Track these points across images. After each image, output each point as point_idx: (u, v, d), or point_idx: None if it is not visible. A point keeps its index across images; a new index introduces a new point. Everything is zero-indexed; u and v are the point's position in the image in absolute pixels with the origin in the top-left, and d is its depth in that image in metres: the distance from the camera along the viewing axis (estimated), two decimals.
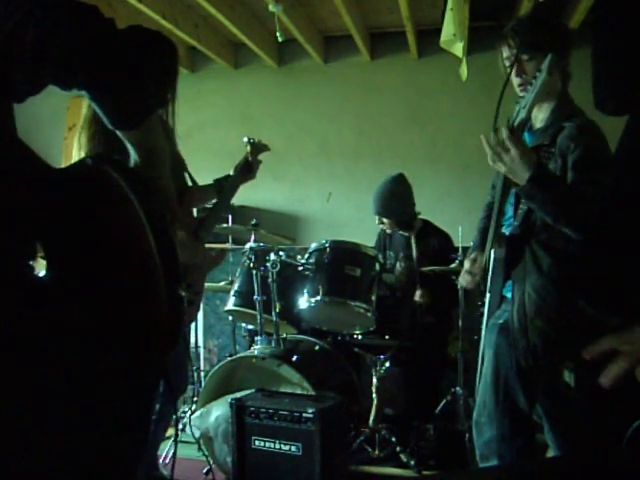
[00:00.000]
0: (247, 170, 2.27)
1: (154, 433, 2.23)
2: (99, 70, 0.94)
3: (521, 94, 1.85)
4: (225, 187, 2.20)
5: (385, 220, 3.42)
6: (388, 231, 3.52)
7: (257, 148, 2.34)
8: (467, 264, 2.07)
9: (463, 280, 2.08)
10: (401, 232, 3.48)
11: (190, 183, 2.04)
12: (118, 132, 1.05)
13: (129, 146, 1.08)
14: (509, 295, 1.83)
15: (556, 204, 1.64)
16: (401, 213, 3.42)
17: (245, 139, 2.35)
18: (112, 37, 0.96)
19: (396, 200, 3.40)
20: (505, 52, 1.89)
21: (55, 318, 0.78)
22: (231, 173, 2.27)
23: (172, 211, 1.18)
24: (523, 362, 1.73)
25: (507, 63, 1.90)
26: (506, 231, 1.89)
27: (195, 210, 2.37)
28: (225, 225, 3.22)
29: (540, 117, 1.89)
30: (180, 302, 0.94)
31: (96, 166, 0.92)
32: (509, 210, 1.91)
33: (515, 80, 1.87)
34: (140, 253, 0.89)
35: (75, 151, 1.88)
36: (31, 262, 0.79)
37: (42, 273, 0.80)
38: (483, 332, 1.95)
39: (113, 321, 0.84)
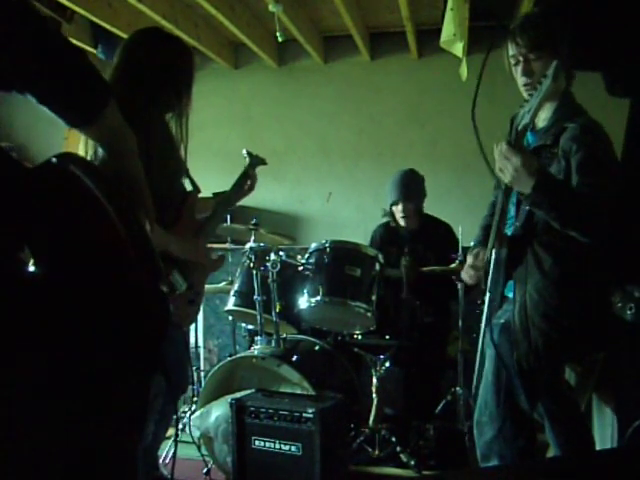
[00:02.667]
0: (245, 183, 2.27)
1: (155, 433, 2.23)
2: (36, 73, 0.93)
3: (525, 94, 1.83)
4: (223, 199, 2.20)
5: (407, 206, 3.38)
6: (402, 222, 3.46)
7: (256, 161, 2.33)
8: (470, 259, 2.06)
9: (466, 275, 2.06)
10: (406, 226, 3.46)
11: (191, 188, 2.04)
12: (76, 130, 1.05)
13: (92, 141, 1.08)
14: (510, 295, 1.82)
15: (562, 209, 1.63)
16: (421, 199, 3.45)
17: (244, 151, 2.33)
18: (47, 37, 0.94)
19: (418, 184, 3.43)
20: (511, 50, 1.85)
21: (42, 313, 0.77)
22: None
23: (144, 201, 1.16)
24: (525, 362, 1.73)
25: (512, 61, 1.86)
26: (508, 231, 1.88)
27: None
28: (225, 225, 3.21)
29: (542, 117, 1.87)
30: (163, 296, 0.94)
31: (61, 165, 0.91)
32: (511, 210, 1.90)
33: (520, 79, 1.84)
34: (112, 248, 0.88)
35: (82, 145, 1.86)
36: (21, 255, 0.78)
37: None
38: (482, 331, 1.95)
39: (94, 317, 0.83)
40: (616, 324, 1.73)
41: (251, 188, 2.31)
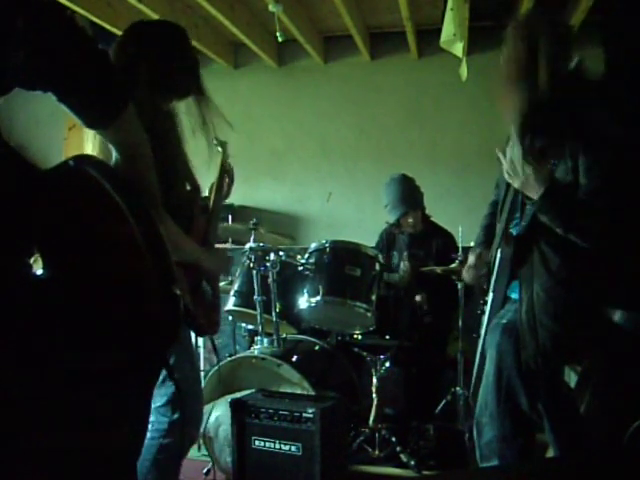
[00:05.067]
0: (224, 181, 2.09)
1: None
2: (62, 71, 0.92)
3: None
4: (214, 202, 2.07)
5: (417, 215, 3.39)
6: (409, 230, 3.45)
7: (226, 148, 2.12)
8: (472, 259, 2.06)
9: (467, 275, 2.07)
10: (409, 231, 3.46)
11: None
12: (94, 131, 1.04)
13: (109, 144, 1.08)
14: (513, 295, 1.82)
15: (567, 218, 1.64)
16: (423, 202, 3.44)
17: (215, 141, 2.10)
18: (74, 35, 0.93)
19: (416, 188, 3.42)
20: None
21: (46, 315, 0.77)
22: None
23: (156, 205, 1.17)
24: (532, 363, 1.72)
25: None
26: (513, 230, 1.88)
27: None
28: (225, 225, 3.21)
29: None
30: (176, 300, 0.93)
31: (77, 167, 0.91)
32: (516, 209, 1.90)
33: None
34: (127, 250, 0.88)
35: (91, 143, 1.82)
36: (28, 259, 0.78)
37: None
38: (483, 331, 1.94)
39: (104, 319, 0.83)
40: (612, 324, 1.73)
41: (231, 183, 2.12)
